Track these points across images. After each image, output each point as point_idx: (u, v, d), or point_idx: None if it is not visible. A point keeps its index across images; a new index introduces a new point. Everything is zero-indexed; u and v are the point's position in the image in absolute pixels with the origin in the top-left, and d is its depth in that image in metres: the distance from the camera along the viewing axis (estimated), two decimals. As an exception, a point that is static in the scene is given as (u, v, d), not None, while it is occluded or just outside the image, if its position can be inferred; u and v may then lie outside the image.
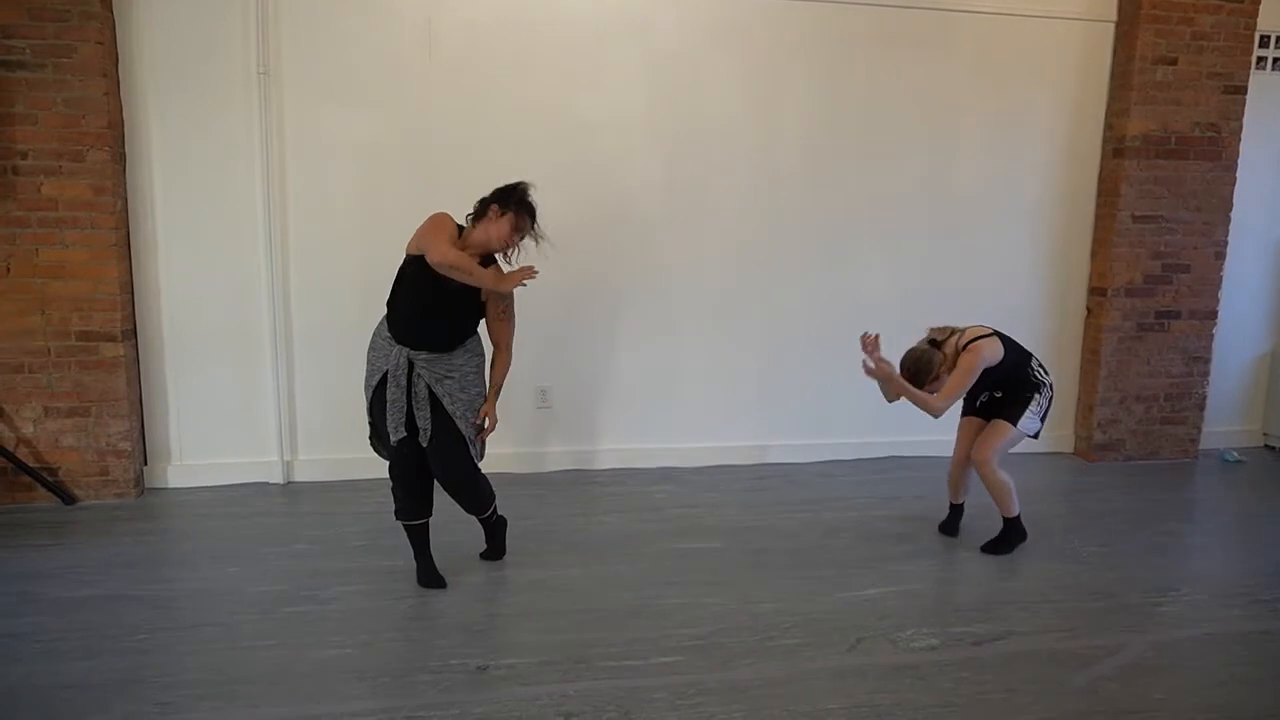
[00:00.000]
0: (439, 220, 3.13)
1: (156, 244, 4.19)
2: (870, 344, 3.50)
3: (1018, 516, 3.77)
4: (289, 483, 4.46)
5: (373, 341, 3.25)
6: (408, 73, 4.29)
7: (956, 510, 3.99)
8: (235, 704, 2.55)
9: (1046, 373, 3.74)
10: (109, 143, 3.93)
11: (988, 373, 3.59)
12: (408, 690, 2.64)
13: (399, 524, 3.35)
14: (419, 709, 2.54)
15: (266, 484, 4.42)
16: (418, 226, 3.13)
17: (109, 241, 3.98)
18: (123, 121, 4.05)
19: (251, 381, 4.37)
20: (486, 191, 3.19)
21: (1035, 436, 3.74)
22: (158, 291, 4.22)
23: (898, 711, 2.58)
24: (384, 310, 3.25)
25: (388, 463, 3.28)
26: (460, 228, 3.18)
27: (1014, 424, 3.65)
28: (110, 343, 4.04)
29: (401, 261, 3.20)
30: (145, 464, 4.32)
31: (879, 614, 3.18)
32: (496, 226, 3.12)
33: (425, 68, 4.29)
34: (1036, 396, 3.67)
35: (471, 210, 3.19)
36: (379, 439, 3.30)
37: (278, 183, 4.23)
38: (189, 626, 2.99)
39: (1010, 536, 3.78)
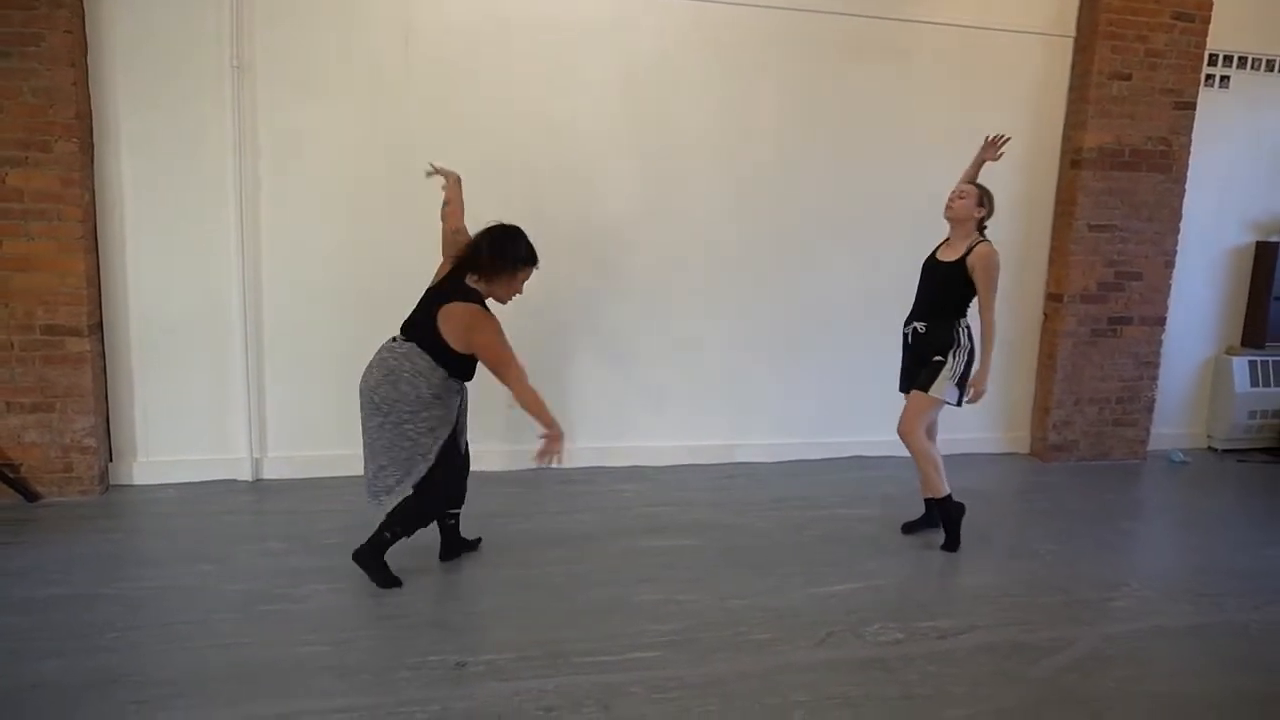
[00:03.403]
0: (497, 331, 3.20)
1: (125, 237, 4.13)
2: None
3: (949, 495, 3.82)
4: (258, 480, 4.43)
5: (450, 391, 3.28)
6: (384, 70, 4.28)
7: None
8: (213, 702, 2.55)
9: (970, 339, 3.77)
10: (77, 134, 3.87)
11: (936, 281, 3.76)
12: (388, 687, 2.66)
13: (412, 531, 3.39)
14: (400, 705, 2.57)
15: (235, 481, 4.39)
16: (459, 318, 3.18)
17: (76, 234, 3.91)
18: (91, 112, 3.99)
19: (221, 377, 4.33)
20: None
21: (958, 404, 3.76)
22: (125, 285, 4.16)
23: (866, 703, 2.68)
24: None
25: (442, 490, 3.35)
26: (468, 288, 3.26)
27: (926, 391, 3.71)
28: (76, 337, 3.98)
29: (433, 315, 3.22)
30: (110, 460, 4.26)
31: (846, 609, 3.27)
32: (518, 281, 3.32)
33: (401, 66, 4.29)
34: (950, 361, 3.69)
35: (475, 262, 3.24)
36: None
37: (250, 177, 4.20)
38: (161, 625, 2.97)
39: (951, 520, 3.85)
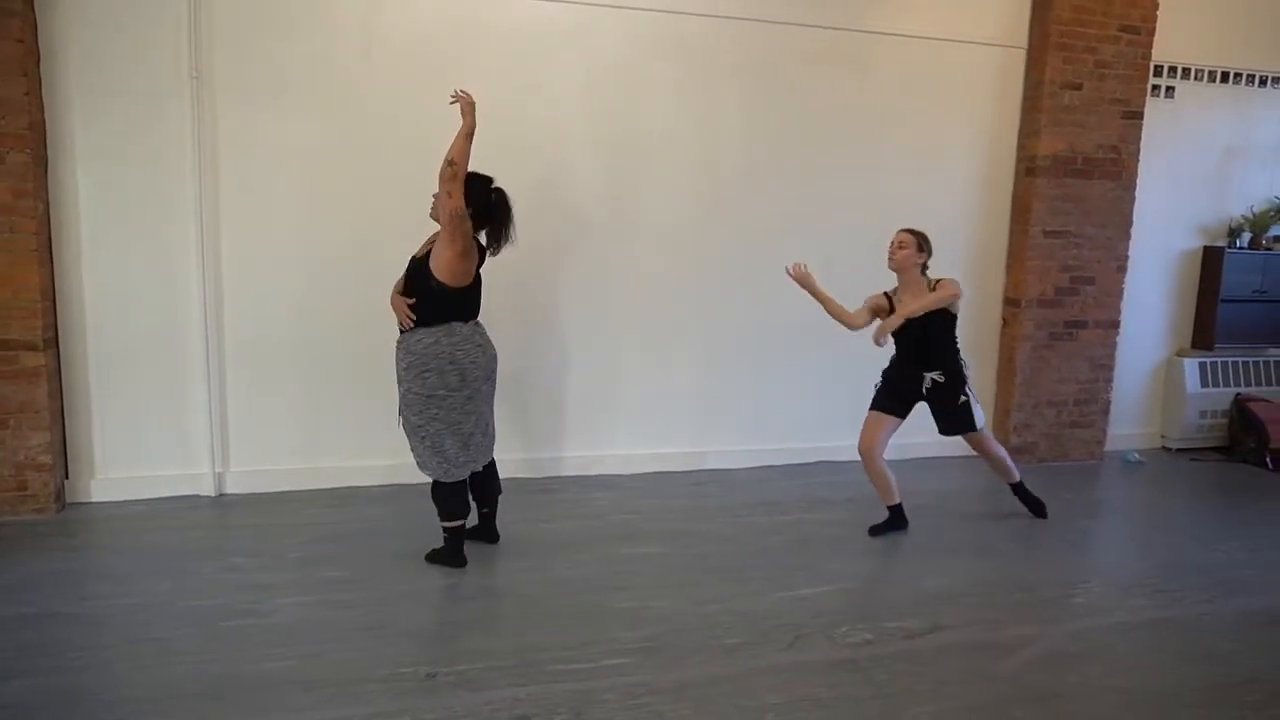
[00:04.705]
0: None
1: (81, 249, 4.05)
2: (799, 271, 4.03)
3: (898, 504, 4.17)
4: (221, 495, 4.35)
5: (470, 353, 3.46)
6: (345, 78, 4.26)
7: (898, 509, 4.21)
8: (181, 719, 2.51)
9: (964, 362, 4.15)
10: (30, 144, 3.79)
11: (928, 332, 3.94)
12: (357, 699, 2.63)
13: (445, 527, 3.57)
14: (369, 717, 2.54)
15: (198, 496, 4.31)
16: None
17: (30, 246, 3.83)
18: (45, 123, 3.91)
19: (181, 391, 4.25)
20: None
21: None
22: (82, 298, 4.08)
23: (836, 704, 2.71)
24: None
25: (459, 473, 3.51)
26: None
27: (978, 429, 4.12)
28: (30, 352, 3.89)
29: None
30: (67, 478, 4.16)
31: (815, 612, 3.31)
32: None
33: (362, 73, 4.27)
34: (967, 387, 4.06)
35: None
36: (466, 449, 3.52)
37: (210, 187, 4.15)
38: (125, 644, 2.91)
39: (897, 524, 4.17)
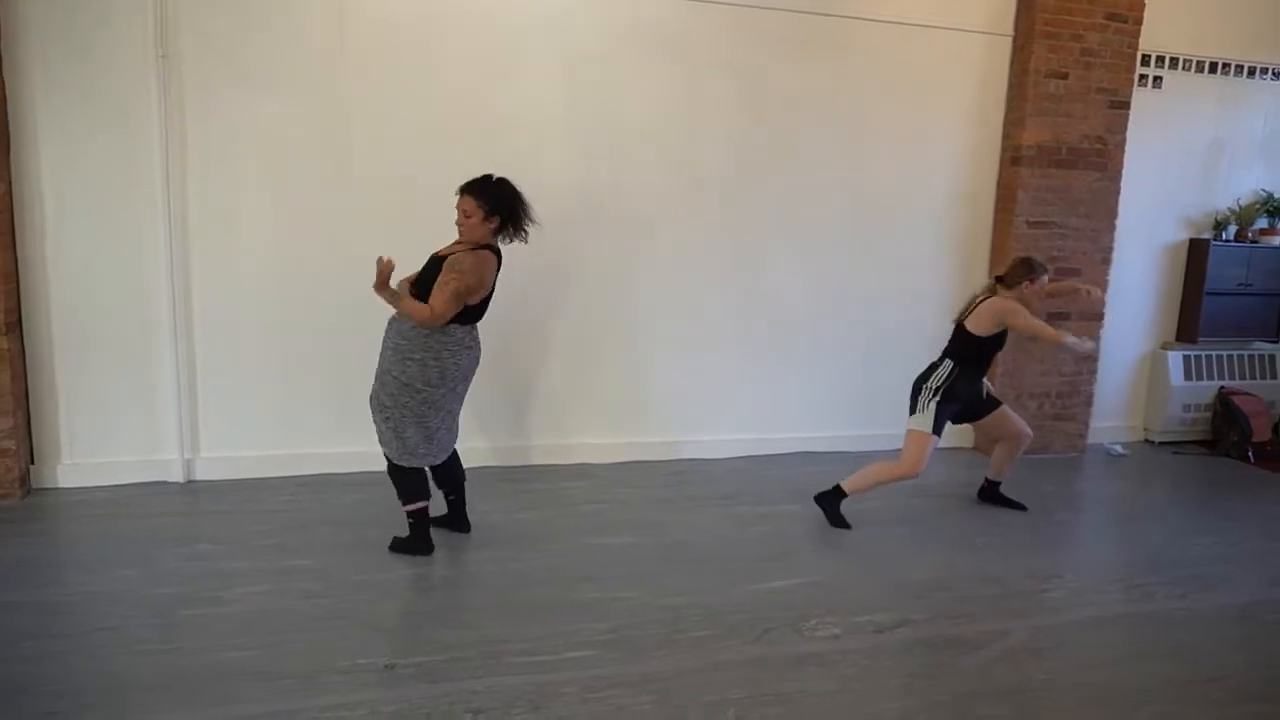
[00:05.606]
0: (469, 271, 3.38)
1: (45, 231, 3.97)
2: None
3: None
4: (190, 481, 4.30)
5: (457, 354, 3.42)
6: (317, 60, 4.18)
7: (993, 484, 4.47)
8: (128, 711, 2.47)
9: None
10: (-9, 124, 3.72)
11: (998, 343, 4.07)
12: (314, 691, 2.59)
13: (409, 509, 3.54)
14: (326, 710, 2.50)
15: (166, 483, 4.25)
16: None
17: (-9, 228, 3.77)
18: (6, 102, 3.83)
19: (149, 376, 4.19)
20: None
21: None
22: (46, 280, 4.01)
23: (800, 698, 2.67)
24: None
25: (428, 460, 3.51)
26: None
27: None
28: (-7, 335, 3.82)
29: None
30: (32, 463, 4.11)
31: (785, 605, 3.27)
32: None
33: (336, 55, 4.19)
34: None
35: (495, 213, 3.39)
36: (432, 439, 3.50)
37: (178, 168, 4.07)
38: (79, 633, 2.87)
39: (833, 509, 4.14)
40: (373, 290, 3.28)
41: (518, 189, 3.43)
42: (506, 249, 3.53)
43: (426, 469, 3.54)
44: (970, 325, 3.99)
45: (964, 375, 3.99)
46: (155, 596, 3.13)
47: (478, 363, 3.54)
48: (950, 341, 4.07)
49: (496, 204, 3.36)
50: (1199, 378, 5.77)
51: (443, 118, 4.35)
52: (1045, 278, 4.05)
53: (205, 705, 2.51)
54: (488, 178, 3.40)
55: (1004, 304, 3.94)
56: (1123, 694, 2.78)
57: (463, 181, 3.39)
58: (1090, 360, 4.29)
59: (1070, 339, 3.78)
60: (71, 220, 3.99)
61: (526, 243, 3.52)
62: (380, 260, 3.25)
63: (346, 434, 4.39)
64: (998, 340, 4.03)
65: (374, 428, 3.49)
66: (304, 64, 4.16)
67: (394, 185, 4.30)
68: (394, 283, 3.33)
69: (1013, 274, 4.04)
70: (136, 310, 4.13)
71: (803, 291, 5.04)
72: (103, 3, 3.88)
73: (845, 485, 4.07)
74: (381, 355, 3.43)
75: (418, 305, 3.28)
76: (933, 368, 4.02)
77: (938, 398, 3.94)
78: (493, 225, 3.38)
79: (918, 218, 5.19)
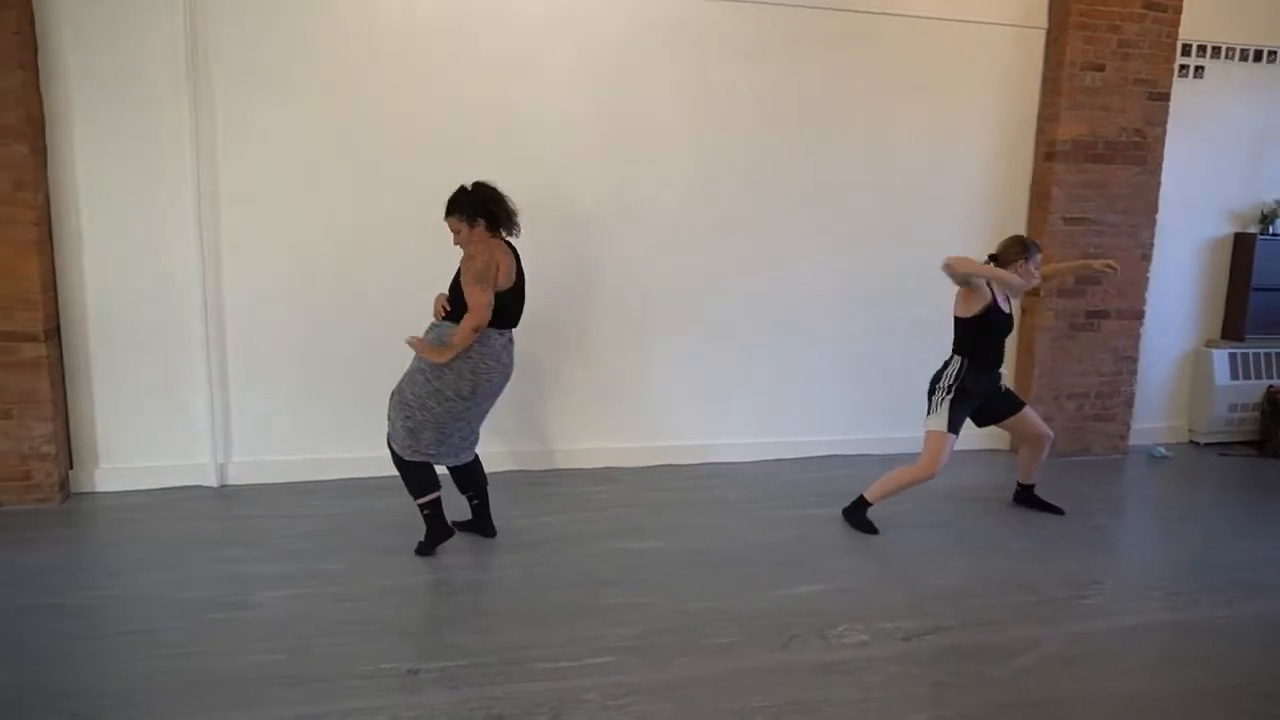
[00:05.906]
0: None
1: (81, 240, 4.06)
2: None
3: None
4: (223, 485, 4.36)
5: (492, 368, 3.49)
6: (345, 67, 4.21)
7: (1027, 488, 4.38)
8: (150, 714, 2.50)
9: None
10: (28, 136, 3.79)
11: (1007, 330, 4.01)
12: (337, 695, 2.60)
13: (420, 504, 3.57)
14: (346, 715, 2.51)
15: (200, 487, 4.31)
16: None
17: (29, 238, 3.84)
18: (43, 114, 3.92)
19: (183, 381, 4.26)
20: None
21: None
22: (83, 289, 4.09)
23: (824, 707, 2.62)
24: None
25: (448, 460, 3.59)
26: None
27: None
28: (32, 343, 3.90)
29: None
30: (71, 468, 4.20)
31: (811, 611, 3.22)
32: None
33: (363, 62, 4.22)
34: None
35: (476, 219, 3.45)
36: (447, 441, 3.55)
37: (210, 177, 4.13)
38: (108, 635, 2.92)
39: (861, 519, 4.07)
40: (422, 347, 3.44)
41: (490, 186, 3.48)
42: (529, 253, 3.53)
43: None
44: (957, 311, 3.93)
45: (973, 368, 3.90)
46: (185, 600, 3.17)
47: (507, 380, 3.57)
48: (953, 337, 4.00)
49: (474, 210, 3.42)
50: (1246, 376, 5.58)
51: (468, 121, 4.36)
52: (1039, 256, 3.95)
53: (227, 709, 2.53)
54: (461, 190, 3.48)
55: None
56: (1160, 704, 2.69)
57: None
58: (1111, 271, 4.18)
59: (1016, 278, 3.79)
60: (106, 230, 4.07)
61: (518, 236, 3.56)
62: (409, 340, 3.45)
63: (377, 439, 4.36)
64: (992, 322, 3.87)
65: (388, 421, 3.52)
66: (332, 68, 4.20)
67: (424, 191, 4.31)
68: (432, 303, 3.50)
69: (1006, 253, 3.94)
70: (170, 317, 4.20)
71: (831, 292, 4.97)
72: (137, 17, 3.95)
73: (868, 495, 4.03)
74: (417, 354, 3.47)
75: (458, 328, 3.35)
76: (945, 366, 3.96)
77: (950, 395, 3.88)
78: (482, 228, 3.44)
79: (949, 215, 5.09)
